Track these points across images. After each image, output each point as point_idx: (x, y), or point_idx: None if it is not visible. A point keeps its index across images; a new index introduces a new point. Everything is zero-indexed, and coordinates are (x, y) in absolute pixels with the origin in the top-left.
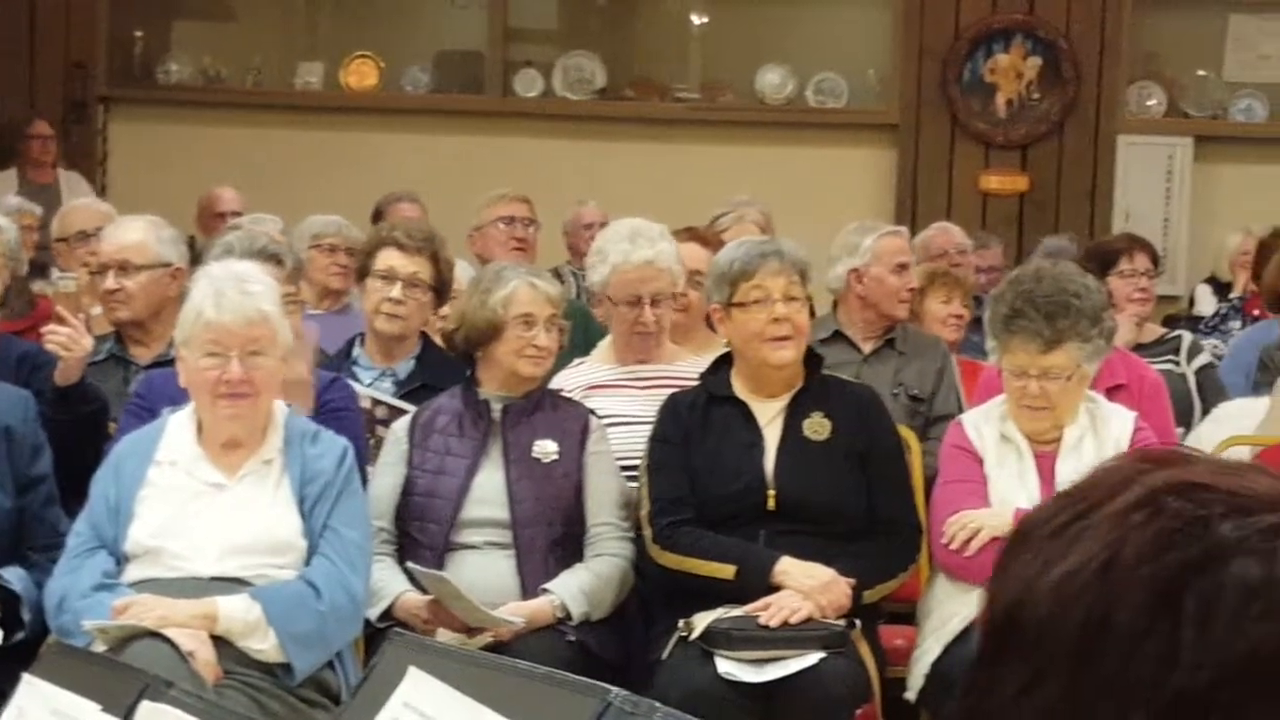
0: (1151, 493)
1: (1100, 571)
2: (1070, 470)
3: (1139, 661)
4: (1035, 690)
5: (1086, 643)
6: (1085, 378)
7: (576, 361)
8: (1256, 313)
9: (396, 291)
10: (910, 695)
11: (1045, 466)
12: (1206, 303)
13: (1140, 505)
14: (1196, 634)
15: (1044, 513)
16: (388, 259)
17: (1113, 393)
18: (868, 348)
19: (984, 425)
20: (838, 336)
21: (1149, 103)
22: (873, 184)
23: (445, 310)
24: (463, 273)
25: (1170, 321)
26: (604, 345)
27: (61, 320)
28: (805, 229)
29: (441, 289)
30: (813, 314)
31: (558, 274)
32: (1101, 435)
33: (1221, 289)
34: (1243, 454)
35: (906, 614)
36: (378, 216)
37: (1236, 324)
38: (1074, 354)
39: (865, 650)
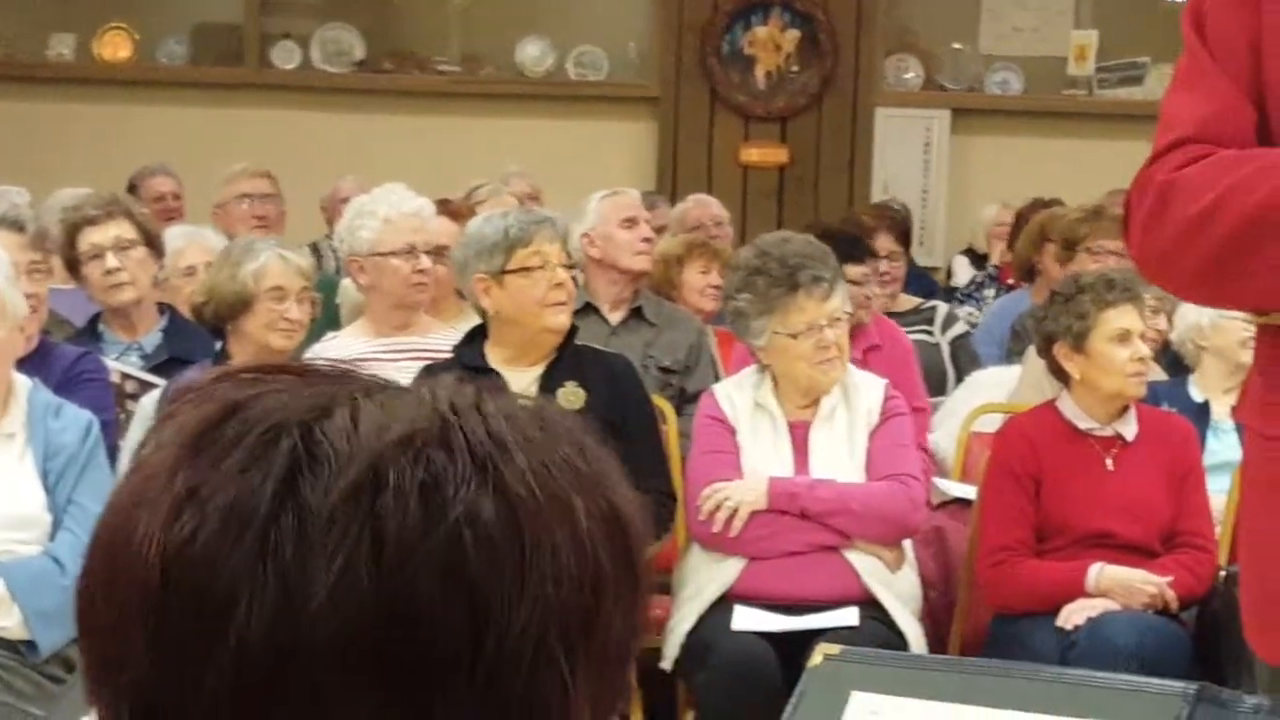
0: (381, 462)
1: (375, 564)
2: (824, 439)
3: (443, 645)
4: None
5: (397, 648)
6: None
7: (330, 335)
8: (1011, 282)
9: (112, 261)
10: (665, 665)
11: (799, 436)
12: (964, 273)
13: (369, 487)
14: (504, 597)
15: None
16: (88, 238)
17: (869, 353)
18: (615, 318)
19: (737, 395)
20: (587, 309)
21: (906, 75)
22: (634, 157)
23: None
24: (216, 244)
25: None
26: (359, 318)
27: None
28: (567, 202)
29: (151, 242)
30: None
31: (316, 248)
32: (854, 404)
33: (978, 260)
34: (995, 421)
35: (662, 584)
36: (131, 190)
37: (991, 292)
38: (843, 297)
39: None
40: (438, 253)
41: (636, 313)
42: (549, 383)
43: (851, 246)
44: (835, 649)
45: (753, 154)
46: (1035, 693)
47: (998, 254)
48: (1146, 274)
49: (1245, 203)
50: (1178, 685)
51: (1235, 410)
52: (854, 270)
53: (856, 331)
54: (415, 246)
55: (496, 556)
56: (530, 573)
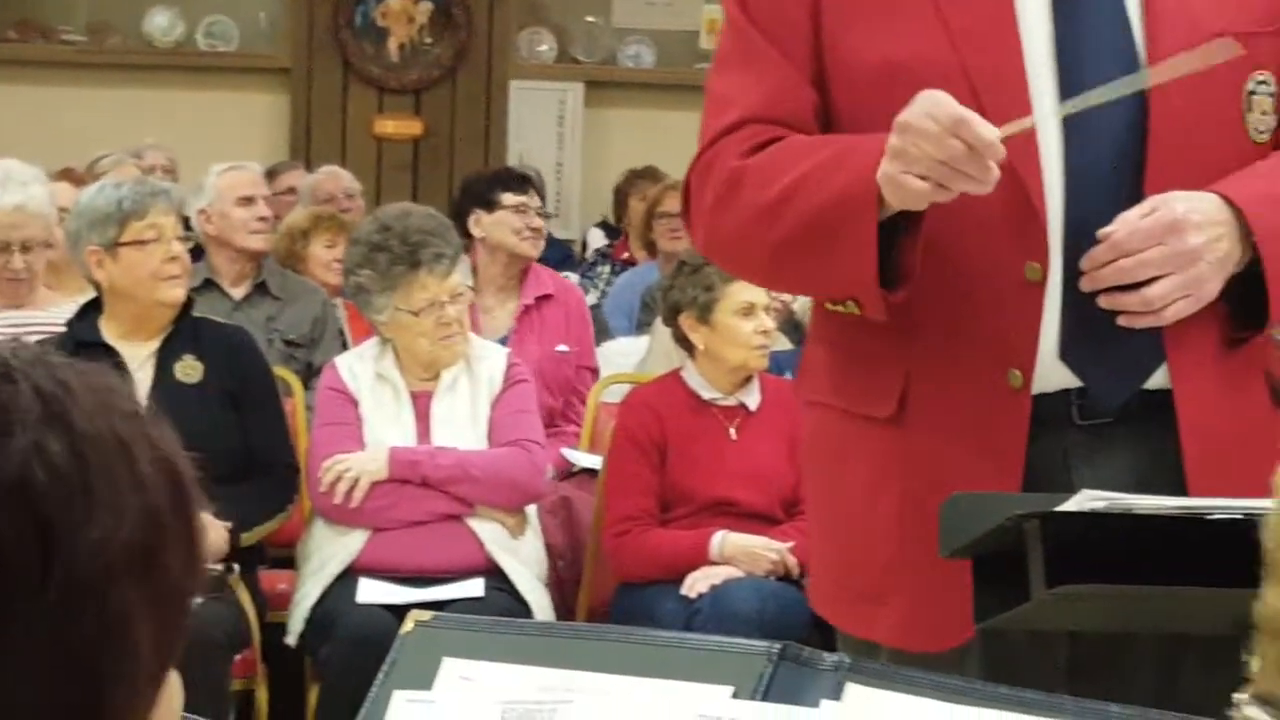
0: None
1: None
2: (446, 409)
3: (14, 569)
4: None
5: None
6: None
7: None
8: (626, 256)
9: None
10: (290, 639)
11: (422, 406)
12: (598, 246)
13: None
14: (71, 526)
15: None
16: None
17: (543, 301)
18: (238, 294)
19: (358, 366)
20: (209, 285)
21: (539, 48)
22: (266, 128)
23: None
24: None
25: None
26: None
27: None
28: (199, 174)
29: None
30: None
31: None
32: (476, 373)
33: (613, 232)
34: (624, 392)
35: (286, 558)
36: None
37: (606, 269)
38: (464, 273)
39: (244, 595)
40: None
41: (261, 287)
42: (166, 356)
43: (509, 175)
44: (427, 615)
45: (387, 126)
46: (624, 654)
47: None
48: (712, 258)
49: (812, 198)
50: (761, 645)
51: (796, 386)
52: (512, 199)
53: (526, 277)
54: (10, 244)
55: (63, 486)
56: (95, 505)
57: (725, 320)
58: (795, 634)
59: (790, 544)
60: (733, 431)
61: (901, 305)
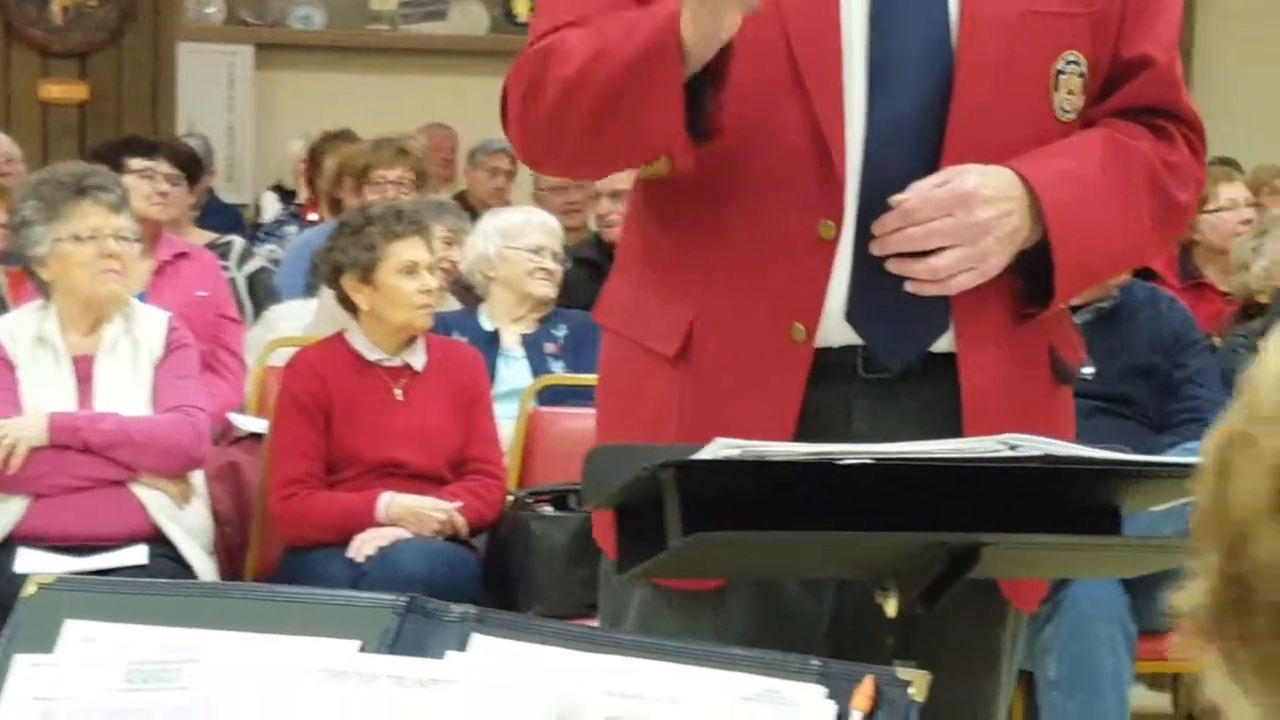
0: None
1: None
2: (107, 373)
3: None
4: None
5: None
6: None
7: None
8: (314, 217)
9: None
10: None
11: (83, 370)
12: (273, 210)
13: None
14: None
15: None
16: None
17: (180, 259)
18: None
19: (18, 330)
20: None
21: (207, 10)
22: None
23: None
24: None
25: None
26: None
27: None
28: None
29: None
30: None
31: None
32: (136, 336)
33: (288, 196)
34: (289, 354)
35: None
36: None
37: (294, 229)
38: (129, 221)
39: None
40: None
41: None
42: None
43: (137, 141)
44: (49, 578)
45: (52, 91)
46: (250, 611)
47: (304, 190)
48: (532, 155)
49: (617, 59)
50: (388, 598)
51: (596, 311)
52: (139, 164)
53: (160, 241)
54: None
55: None
56: None
57: (388, 280)
58: (465, 594)
59: (458, 504)
60: (399, 392)
61: (705, 214)
